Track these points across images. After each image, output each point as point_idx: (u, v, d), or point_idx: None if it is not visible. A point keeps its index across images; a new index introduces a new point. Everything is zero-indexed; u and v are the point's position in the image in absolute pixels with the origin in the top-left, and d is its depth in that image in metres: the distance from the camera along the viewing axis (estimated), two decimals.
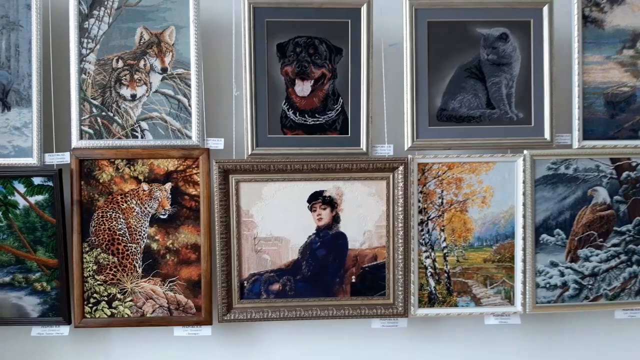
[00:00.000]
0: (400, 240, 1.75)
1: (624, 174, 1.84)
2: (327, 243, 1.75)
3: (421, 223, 1.79)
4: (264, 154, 1.78)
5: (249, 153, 1.77)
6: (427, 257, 1.80)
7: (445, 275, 1.80)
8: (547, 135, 1.82)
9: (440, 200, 1.80)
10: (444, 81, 1.81)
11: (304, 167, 1.72)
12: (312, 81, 1.79)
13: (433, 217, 1.80)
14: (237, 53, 1.79)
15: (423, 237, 1.79)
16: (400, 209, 1.75)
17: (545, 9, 1.80)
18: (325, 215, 1.75)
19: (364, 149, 1.80)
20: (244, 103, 1.77)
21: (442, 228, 1.80)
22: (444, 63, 1.81)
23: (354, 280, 1.77)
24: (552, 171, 1.82)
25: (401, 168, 1.74)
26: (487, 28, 1.81)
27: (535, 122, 1.82)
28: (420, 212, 1.79)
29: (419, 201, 1.79)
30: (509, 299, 1.82)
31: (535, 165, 1.81)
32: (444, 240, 1.80)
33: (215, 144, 1.79)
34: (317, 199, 1.74)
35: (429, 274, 1.80)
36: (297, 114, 1.80)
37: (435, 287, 1.80)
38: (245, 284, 1.74)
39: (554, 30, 1.82)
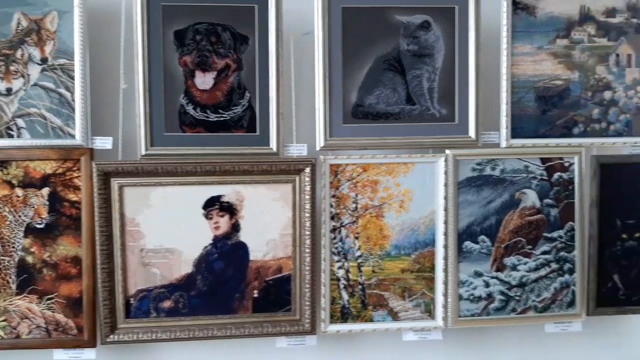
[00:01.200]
0: (307, 250, 1.58)
1: (556, 175, 1.69)
2: (226, 254, 1.57)
3: (333, 230, 1.62)
4: (160, 155, 1.58)
5: (143, 153, 1.57)
6: (339, 268, 1.63)
7: (360, 287, 1.64)
8: (472, 133, 1.65)
9: (354, 205, 1.63)
10: (360, 74, 1.63)
11: (197, 169, 1.53)
12: (215, 73, 1.60)
13: (346, 224, 1.63)
14: (128, 41, 1.58)
15: (335, 245, 1.63)
16: (307, 215, 1.58)
17: None
18: (224, 223, 1.57)
19: (274, 148, 1.62)
20: (137, 97, 1.57)
21: (357, 235, 1.63)
22: (361, 54, 1.63)
23: (256, 295, 1.59)
24: (476, 172, 1.66)
25: (308, 170, 1.57)
26: (407, 15, 1.64)
27: (460, 119, 1.66)
28: (332, 218, 1.62)
29: (331, 206, 1.62)
30: (430, 312, 1.66)
31: (458, 166, 1.65)
32: (359, 248, 1.64)
33: (103, 143, 1.59)
34: (213, 205, 1.56)
35: (341, 286, 1.64)
36: (198, 110, 1.61)
37: (349, 301, 1.64)
38: (131, 301, 1.55)
39: (481, 18, 1.65)
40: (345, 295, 1.64)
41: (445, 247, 1.65)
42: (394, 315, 1.65)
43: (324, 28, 1.61)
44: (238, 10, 1.61)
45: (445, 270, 1.65)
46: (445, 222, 1.64)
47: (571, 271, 1.70)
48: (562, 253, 1.70)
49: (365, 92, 1.64)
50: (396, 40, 1.64)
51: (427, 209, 1.65)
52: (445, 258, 1.65)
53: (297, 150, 1.64)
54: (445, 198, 1.64)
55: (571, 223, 1.70)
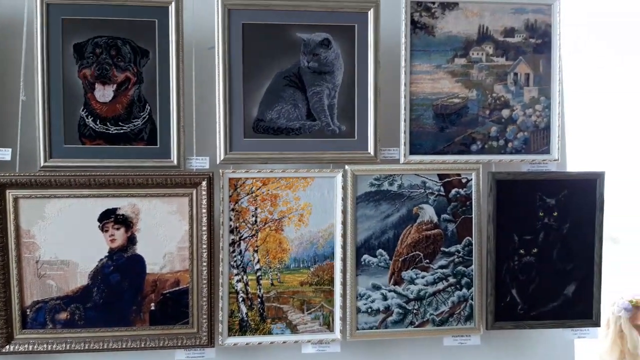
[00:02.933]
0: (204, 263, 1.60)
1: (453, 191, 1.73)
2: (122, 267, 1.58)
3: (233, 243, 1.64)
4: (59, 166, 1.60)
5: (41, 165, 1.59)
6: (238, 281, 1.65)
7: (259, 300, 1.66)
8: (371, 149, 1.69)
9: (254, 219, 1.65)
10: (261, 89, 1.67)
11: (92, 181, 1.54)
12: (115, 85, 1.62)
13: (246, 237, 1.65)
14: (29, 54, 1.60)
15: (234, 258, 1.65)
16: (204, 228, 1.60)
17: (371, 14, 1.68)
18: (119, 236, 1.58)
19: (175, 161, 1.64)
20: (36, 109, 1.59)
21: (256, 249, 1.65)
22: (262, 69, 1.66)
23: (153, 308, 1.60)
24: (374, 187, 1.70)
25: (204, 183, 1.59)
26: (307, 33, 1.68)
27: (359, 136, 1.70)
28: (231, 231, 1.64)
29: (231, 220, 1.64)
30: (328, 325, 1.68)
31: (357, 182, 1.68)
32: (258, 262, 1.66)
33: (1, 155, 1.60)
34: (109, 218, 1.57)
35: (240, 299, 1.65)
36: (98, 122, 1.63)
37: (247, 314, 1.65)
38: (27, 313, 1.56)
39: (381, 36, 1.69)
40: (243, 308, 1.66)
41: (344, 260, 1.68)
42: (293, 328, 1.67)
43: (225, 43, 1.64)
44: (138, 24, 1.64)
45: (344, 284, 1.68)
46: (343, 236, 1.67)
47: (469, 285, 1.74)
48: (459, 267, 1.73)
49: (266, 107, 1.67)
50: (297, 57, 1.68)
51: (326, 222, 1.68)
52: (344, 271, 1.68)
53: (199, 163, 1.66)
54: (343, 212, 1.67)
55: (469, 238, 1.74)
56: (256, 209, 1.65)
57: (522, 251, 1.75)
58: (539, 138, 1.78)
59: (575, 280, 1.77)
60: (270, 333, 1.66)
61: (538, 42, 1.77)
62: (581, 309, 1.78)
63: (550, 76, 1.77)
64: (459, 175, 1.73)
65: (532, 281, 1.76)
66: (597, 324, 1.79)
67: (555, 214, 1.75)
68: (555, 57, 1.77)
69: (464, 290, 1.73)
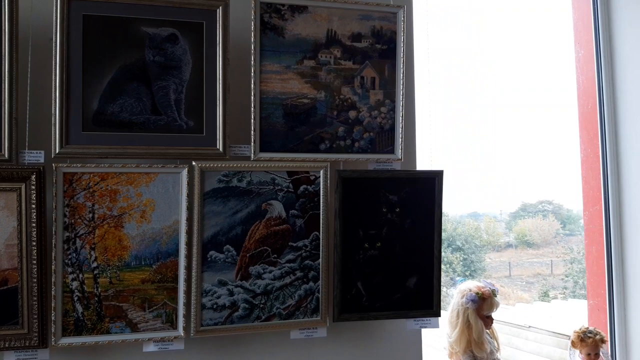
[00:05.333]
0: (34, 261, 1.53)
1: (302, 188, 1.78)
2: None
3: (67, 241, 1.58)
4: None
5: None
6: (73, 280, 1.59)
7: (96, 299, 1.61)
8: (219, 145, 1.70)
9: (90, 215, 1.60)
10: (102, 82, 1.62)
11: None
12: None
13: (82, 234, 1.59)
14: None
15: (69, 256, 1.58)
16: (34, 225, 1.52)
17: (219, 12, 1.70)
18: None
19: (6, 155, 1.55)
20: None
21: (93, 246, 1.60)
22: (103, 62, 1.62)
23: None
24: (223, 184, 1.71)
25: (34, 178, 1.52)
26: (154, 27, 1.66)
27: (207, 132, 1.70)
28: (66, 228, 1.58)
29: (65, 216, 1.58)
30: (171, 322, 1.66)
31: (204, 178, 1.68)
32: (95, 259, 1.60)
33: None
34: None
35: (75, 298, 1.59)
36: None
37: (84, 313, 1.59)
38: None
39: (232, 35, 1.71)
40: (79, 308, 1.59)
41: (189, 257, 1.67)
42: (133, 327, 1.63)
43: (63, 34, 1.58)
44: None
45: (188, 280, 1.67)
46: (189, 232, 1.66)
47: (316, 279, 1.79)
48: (307, 261, 1.78)
49: (108, 100, 1.63)
50: (142, 51, 1.66)
51: (171, 219, 1.66)
52: (189, 268, 1.67)
53: (33, 157, 1.59)
54: (190, 209, 1.67)
55: (316, 233, 1.79)
56: (93, 205, 1.60)
57: (366, 245, 1.83)
58: (384, 138, 1.88)
59: (416, 272, 1.88)
60: (108, 332, 1.61)
61: (384, 47, 1.87)
62: (422, 300, 1.89)
63: (395, 80, 1.88)
64: (307, 172, 1.78)
65: (376, 274, 1.84)
66: (437, 314, 1.90)
67: (398, 210, 1.85)
68: (399, 63, 1.88)
69: (311, 283, 1.79)
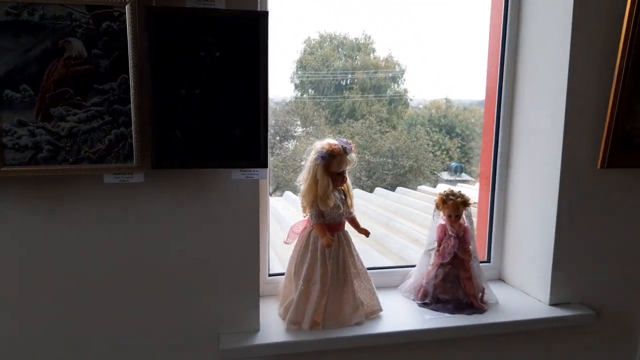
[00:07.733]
0: None
1: (104, 24, 1.64)
2: None
3: None
4: None
5: None
6: None
7: None
8: None
9: None
10: None
11: None
12: None
13: None
14: None
15: None
16: None
17: None
18: None
19: None
20: None
21: None
22: None
23: None
24: (12, 17, 1.58)
25: None
26: None
27: None
28: None
29: None
30: None
31: None
32: None
33: None
34: None
35: None
36: None
37: None
38: None
39: None
40: None
41: None
42: None
43: None
44: None
45: None
46: None
47: (127, 124, 1.73)
48: (116, 105, 1.71)
49: None
50: None
51: None
52: None
53: None
54: None
55: (125, 76, 1.69)
56: None
57: (184, 92, 1.74)
58: None
59: (242, 123, 1.80)
60: None
61: None
62: (248, 151, 1.83)
63: None
64: (110, 7, 1.63)
65: (196, 122, 1.77)
66: (264, 164, 1.86)
67: (218, 54, 1.72)
68: None
69: (122, 128, 1.72)
